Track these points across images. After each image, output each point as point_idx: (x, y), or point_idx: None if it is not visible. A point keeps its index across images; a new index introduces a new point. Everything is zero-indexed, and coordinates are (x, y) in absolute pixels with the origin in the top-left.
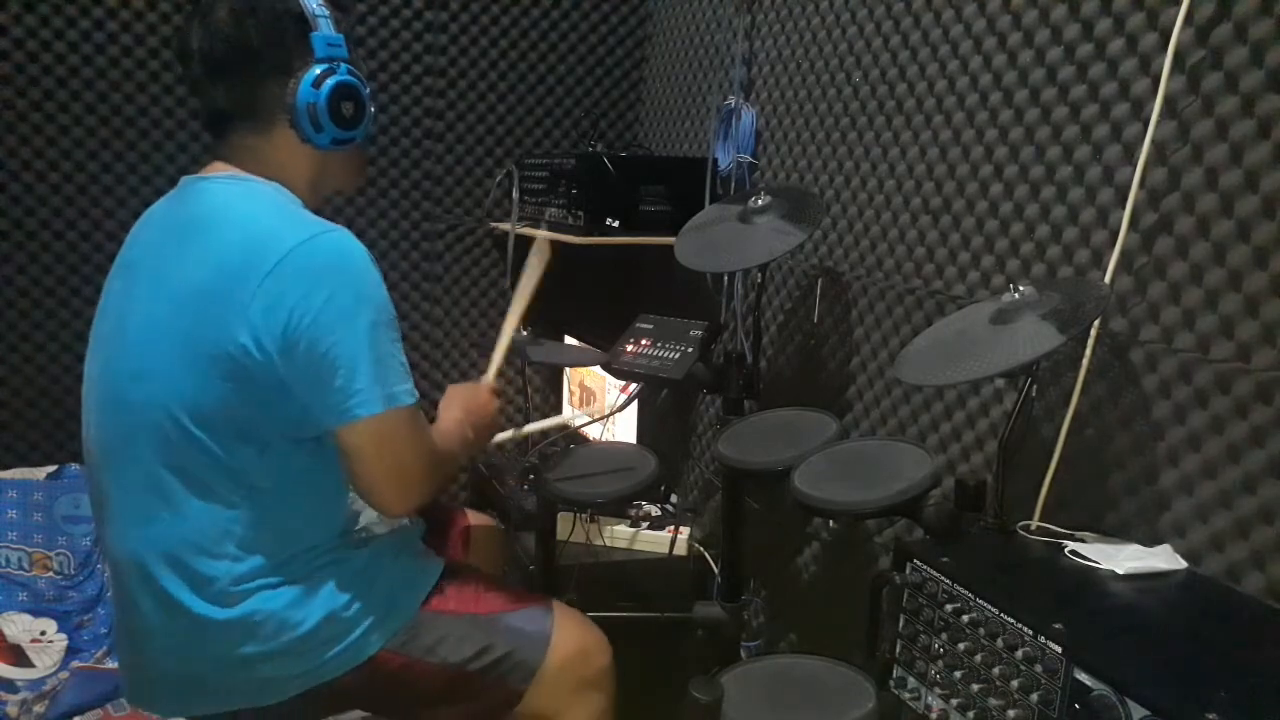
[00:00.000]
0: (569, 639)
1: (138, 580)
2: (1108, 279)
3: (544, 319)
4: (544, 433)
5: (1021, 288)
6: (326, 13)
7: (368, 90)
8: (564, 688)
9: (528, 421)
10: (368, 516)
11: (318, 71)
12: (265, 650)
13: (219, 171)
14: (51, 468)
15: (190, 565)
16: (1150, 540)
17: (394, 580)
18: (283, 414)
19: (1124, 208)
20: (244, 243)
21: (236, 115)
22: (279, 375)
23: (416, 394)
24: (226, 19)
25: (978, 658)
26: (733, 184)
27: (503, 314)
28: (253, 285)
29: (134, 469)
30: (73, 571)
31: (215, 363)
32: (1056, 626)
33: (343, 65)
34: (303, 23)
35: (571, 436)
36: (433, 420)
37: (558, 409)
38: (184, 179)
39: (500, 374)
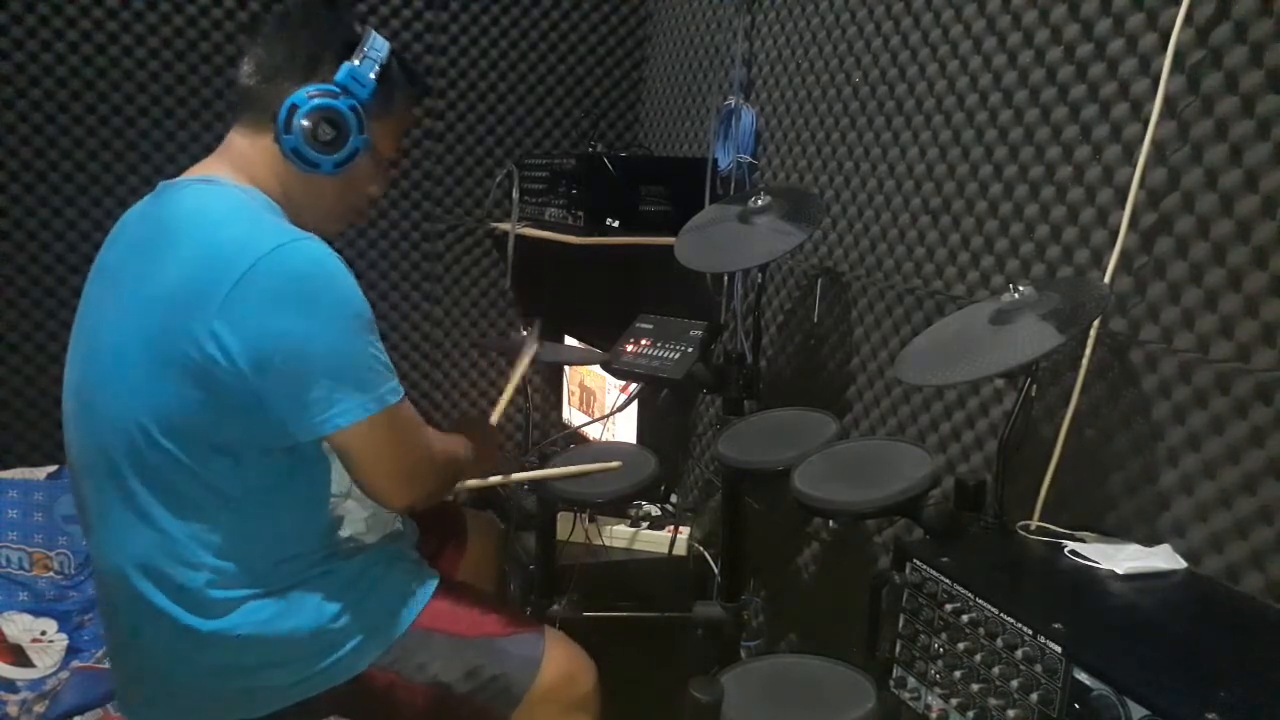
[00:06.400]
0: (557, 664)
1: (122, 591)
2: (1107, 279)
3: (544, 319)
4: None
5: (1021, 288)
6: (380, 58)
7: (362, 141)
8: (550, 712)
9: (529, 424)
10: (354, 525)
11: (322, 88)
12: (253, 663)
13: (197, 174)
14: (51, 468)
15: (171, 576)
16: (1150, 540)
17: (386, 595)
18: (254, 423)
19: (1124, 208)
20: (211, 250)
21: (252, 96)
22: (250, 387)
23: (401, 390)
24: (298, 9)
25: (977, 657)
26: (733, 184)
27: (502, 314)
28: (220, 295)
29: (109, 479)
30: (73, 571)
31: (183, 372)
32: (1056, 626)
33: (351, 100)
34: (347, 49)
35: (571, 436)
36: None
37: (558, 409)
38: (161, 184)
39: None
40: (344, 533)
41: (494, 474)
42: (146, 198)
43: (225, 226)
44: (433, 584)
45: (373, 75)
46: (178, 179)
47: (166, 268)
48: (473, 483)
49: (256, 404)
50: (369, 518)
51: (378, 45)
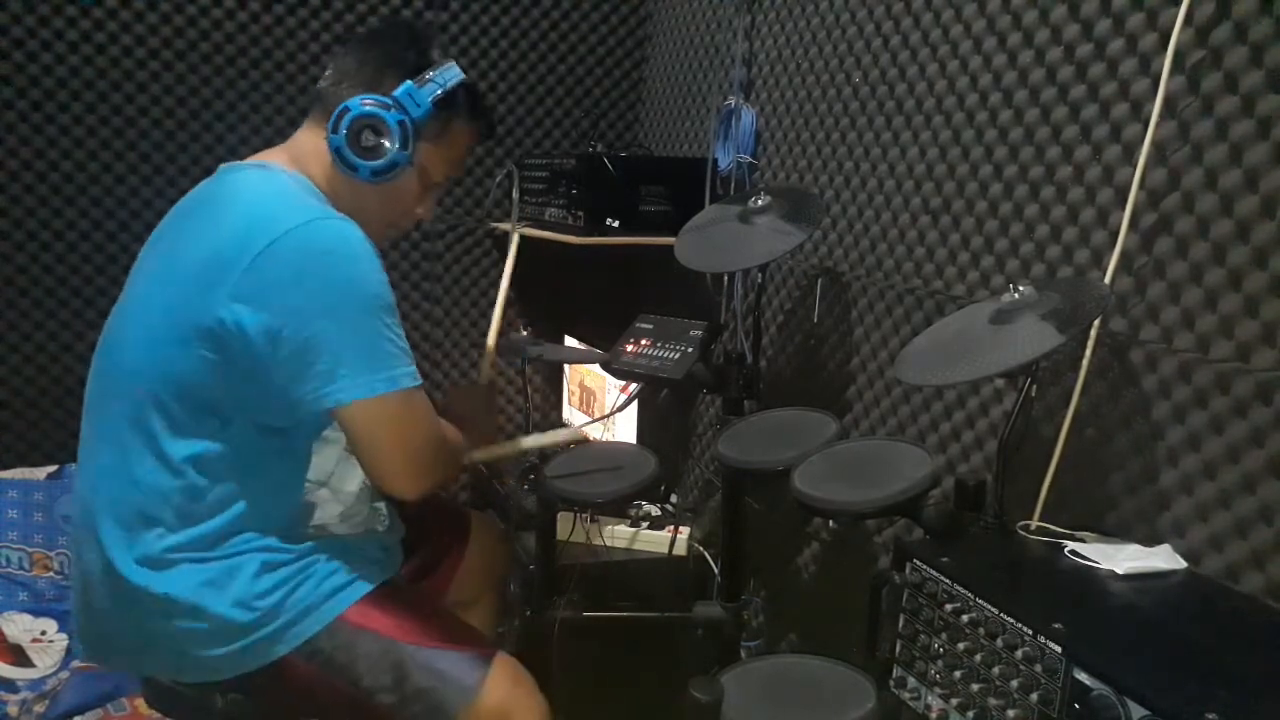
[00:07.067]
0: (497, 697)
1: (86, 530)
2: (1108, 279)
3: (544, 319)
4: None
5: (1021, 288)
6: (444, 84)
7: (403, 156)
8: None
9: (529, 423)
10: (324, 515)
11: (375, 98)
12: (176, 627)
13: (254, 159)
14: (51, 468)
15: (128, 521)
16: (1150, 540)
17: (319, 585)
18: (254, 393)
19: (1124, 208)
20: (243, 221)
21: (321, 96)
22: (259, 354)
23: (419, 378)
24: (382, 28)
25: (977, 658)
26: (733, 184)
27: (502, 314)
28: (244, 262)
29: (104, 425)
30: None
31: (195, 333)
32: (1056, 626)
33: (399, 115)
34: (415, 71)
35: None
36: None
37: (558, 409)
38: (220, 167)
39: (501, 332)
40: (313, 521)
41: (497, 448)
42: (206, 180)
43: (261, 203)
44: (369, 583)
45: (431, 98)
46: (236, 163)
47: (202, 238)
48: (479, 454)
49: (263, 372)
50: (343, 512)
51: (447, 74)
